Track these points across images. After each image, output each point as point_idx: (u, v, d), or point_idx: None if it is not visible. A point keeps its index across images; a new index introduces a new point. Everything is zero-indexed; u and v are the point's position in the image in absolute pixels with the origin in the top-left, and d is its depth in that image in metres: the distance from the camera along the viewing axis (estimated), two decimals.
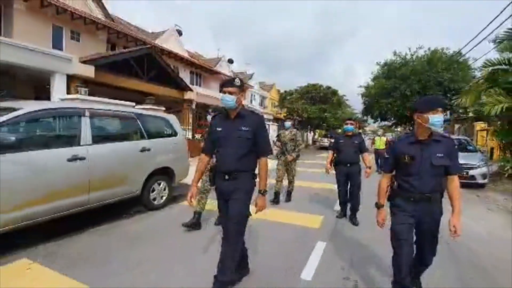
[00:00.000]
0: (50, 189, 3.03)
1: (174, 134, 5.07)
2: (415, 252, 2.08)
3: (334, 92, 23.28)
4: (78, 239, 3.25)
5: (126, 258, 2.82)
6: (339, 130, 12.97)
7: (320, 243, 3.35)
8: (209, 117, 3.66)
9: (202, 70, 20.08)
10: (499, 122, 8.88)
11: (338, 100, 23.66)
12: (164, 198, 4.76)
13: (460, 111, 16.48)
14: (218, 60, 22.85)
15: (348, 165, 4.26)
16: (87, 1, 12.97)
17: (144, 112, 4.71)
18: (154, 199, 4.58)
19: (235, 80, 2.14)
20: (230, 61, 24.46)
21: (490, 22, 10.16)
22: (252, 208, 2.16)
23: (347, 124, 4.44)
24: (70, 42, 11.81)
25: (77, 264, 2.66)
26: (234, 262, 2.11)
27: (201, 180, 3.24)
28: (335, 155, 4.52)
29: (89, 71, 9.19)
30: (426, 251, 2.11)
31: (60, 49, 11.09)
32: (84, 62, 9.07)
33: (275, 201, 5.10)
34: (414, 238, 2.07)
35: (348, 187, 4.38)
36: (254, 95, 29.73)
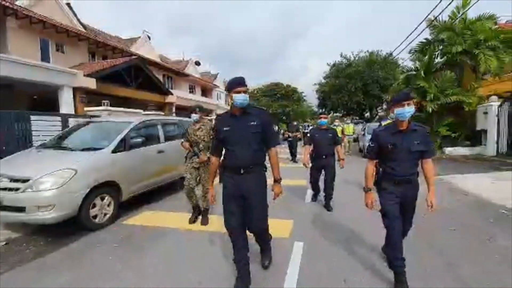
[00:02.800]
0: (152, 170, 4.98)
1: None
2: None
3: (294, 90, 26.46)
4: (170, 200, 5.25)
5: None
6: (294, 123, 15.15)
7: (309, 190, 5.77)
8: (193, 116, 3.98)
9: (173, 73, 21.39)
10: None
11: (298, 97, 26.93)
12: None
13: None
14: (186, 62, 24.21)
15: (324, 157, 4.42)
16: (68, 14, 13.60)
17: (183, 119, 6.66)
18: None
19: (244, 79, 2.21)
20: (197, 63, 25.95)
21: (409, 35, 13.77)
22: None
23: (321, 118, 4.62)
24: (56, 54, 12.53)
25: (178, 210, 4.66)
26: (269, 244, 2.62)
27: (186, 178, 3.91)
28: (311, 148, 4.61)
29: (91, 83, 10.40)
30: (406, 222, 2.36)
31: (48, 61, 11.84)
32: (88, 75, 10.25)
33: None
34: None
35: (322, 177, 4.61)
36: (220, 94, 31.57)
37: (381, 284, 2.36)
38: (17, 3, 11.31)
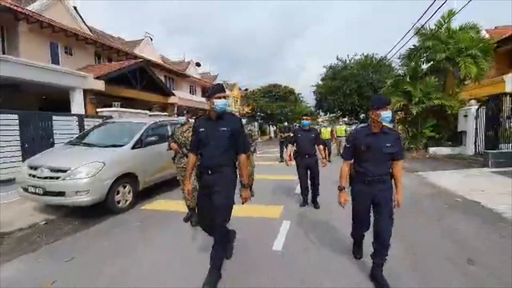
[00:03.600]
0: (162, 165, 5.73)
1: None
2: (374, 234, 2.38)
3: (292, 91, 27.32)
4: (175, 192, 5.96)
5: None
6: (285, 123, 15.46)
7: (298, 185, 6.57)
8: (180, 118, 4.23)
9: (174, 74, 22.10)
10: (401, 114, 13.23)
11: (295, 98, 27.79)
12: None
13: None
14: (187, 64, 24.95)
15: (307, 156, 4.61)
16: (76, 18, 14.30)
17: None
18: None
19: (224, 87, 2.43)
20: (198, 65, 26.69)
21: (397, 43, 14.62)
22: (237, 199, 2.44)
23: (303, 119, 4.80)
24: (65, 56, 13.23)
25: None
26: (224, 245, 2.44)
27: (181, 181, 4.09)
28: (295, 148, 4.79)
29: (100, 85, 11.12)
30: (383, 227, 2.32)
31: (57, 63, 12.54)
32: (97, 78, 10.97)
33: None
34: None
35: (309, 176, 4.73)
36: None
37: (343, 248, 3.11)
38: (28, 7, 12.02)
